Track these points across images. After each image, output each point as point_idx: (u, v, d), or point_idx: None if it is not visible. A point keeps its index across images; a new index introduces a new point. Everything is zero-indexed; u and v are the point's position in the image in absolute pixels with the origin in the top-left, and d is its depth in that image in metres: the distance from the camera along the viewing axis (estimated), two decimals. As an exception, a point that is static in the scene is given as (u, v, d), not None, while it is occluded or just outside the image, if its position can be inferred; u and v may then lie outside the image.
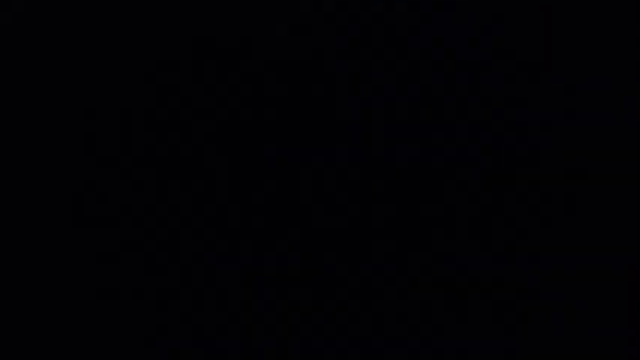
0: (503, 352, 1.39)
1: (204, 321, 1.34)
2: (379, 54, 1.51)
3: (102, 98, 1.28)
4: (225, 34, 1.31)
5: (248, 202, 1.37)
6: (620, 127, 1.53)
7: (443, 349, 1.39)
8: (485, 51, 1.55)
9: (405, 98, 1.53)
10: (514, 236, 1.50)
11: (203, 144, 1.33)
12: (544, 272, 1.47)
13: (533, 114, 1.56)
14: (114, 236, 1.31)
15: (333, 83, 1.45)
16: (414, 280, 1.44)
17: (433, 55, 1.53)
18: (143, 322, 1.31)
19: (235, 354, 1.34)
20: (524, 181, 1.53)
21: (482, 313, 1.43)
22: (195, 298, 1.34)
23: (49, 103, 1.26)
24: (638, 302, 1.43)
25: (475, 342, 1.40)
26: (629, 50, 1.54)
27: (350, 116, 1.49)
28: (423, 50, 1.52)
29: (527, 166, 1.54)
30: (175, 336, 1.32)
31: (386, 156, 1.49)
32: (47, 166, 1.27)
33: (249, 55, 1.37)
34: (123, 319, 1.30)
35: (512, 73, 1.55)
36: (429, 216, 1.49)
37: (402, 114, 1.53)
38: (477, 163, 1.53)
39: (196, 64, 1.31)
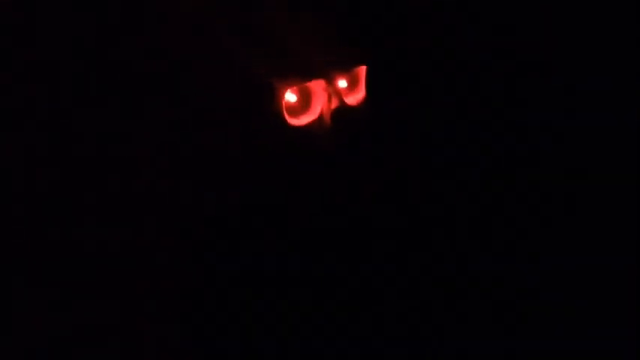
0: (503, 352, 1.40)
1: (204, 321, 1.34)
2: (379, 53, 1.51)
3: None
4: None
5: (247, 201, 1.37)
6: (620, 127, 1.54)
7: (443, 349, 1.39)
8: (485, 51, 1.55)
9: (405, 98, 1.54)
10: (514, 236, 1.50)
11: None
12: (544, 272, 1.47)
13: (533, 114, 1.56)
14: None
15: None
16: (413, 281, 1.44)
17: (433, 55, 1.53)
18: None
19: (235, 354, 1.34)
20: (524, 181, 1.54)
21: (482, 313, 1.44)
22: (195, 299, 1.34)
23: None
24: (638, 302, 1.44)
25: (475, 342, 1.40)
26: (629, 50, 1.55)
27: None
28: (424, 50, 1.53)
29: (527, 166, 1.54)
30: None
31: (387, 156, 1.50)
32: None
33: None
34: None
35: (512, 72, 1.56)
36: (429, 216, 1.49)
37: (401, 114, 1.54)
38: (477, 163, 1.54)
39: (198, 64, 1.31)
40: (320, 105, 1.43)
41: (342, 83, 1.46)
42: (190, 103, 1.37)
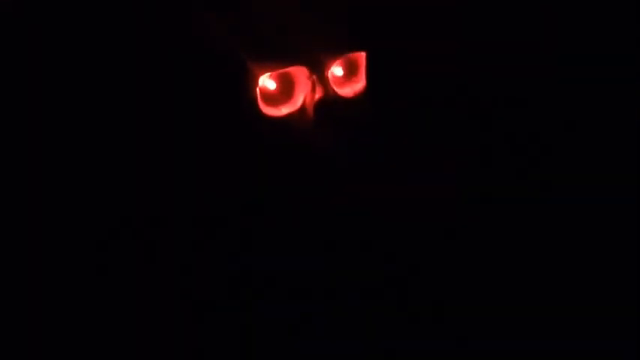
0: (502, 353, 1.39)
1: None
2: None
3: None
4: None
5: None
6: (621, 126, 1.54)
7: (446, 348, 1.38)
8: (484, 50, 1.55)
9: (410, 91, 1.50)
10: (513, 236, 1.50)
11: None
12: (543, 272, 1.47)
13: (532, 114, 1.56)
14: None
15: None
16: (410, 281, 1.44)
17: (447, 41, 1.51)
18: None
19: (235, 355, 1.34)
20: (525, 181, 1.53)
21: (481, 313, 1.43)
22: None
23: None
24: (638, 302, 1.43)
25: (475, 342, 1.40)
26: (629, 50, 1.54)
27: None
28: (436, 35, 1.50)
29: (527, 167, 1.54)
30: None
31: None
32: None
33: None
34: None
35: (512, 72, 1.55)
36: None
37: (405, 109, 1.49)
38: (477, 163, 1.53)
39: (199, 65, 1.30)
40: (302, 95, 1.28)
41: (338, 71, 1.30)
42: (150, 90, 1.23)
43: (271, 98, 1.26)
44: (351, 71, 1.33)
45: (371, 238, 1.42)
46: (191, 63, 1.22)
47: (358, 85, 1.34)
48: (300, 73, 1.27)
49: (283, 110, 1.27)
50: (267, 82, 1.25)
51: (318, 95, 1.28)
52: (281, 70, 1.25)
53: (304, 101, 1.28)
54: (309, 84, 1.27)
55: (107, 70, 1.25)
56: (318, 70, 1.27)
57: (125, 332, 1.29)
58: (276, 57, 1.24)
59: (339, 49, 1.30)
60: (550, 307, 1.41)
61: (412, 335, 1.38)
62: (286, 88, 1.27)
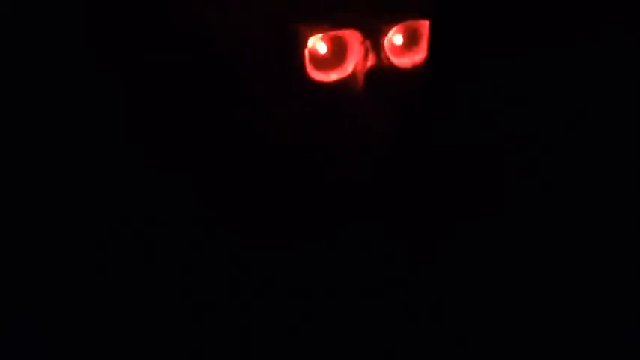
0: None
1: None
2: None
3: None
4: None
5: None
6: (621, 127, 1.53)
7: (446, 348, 1.39)
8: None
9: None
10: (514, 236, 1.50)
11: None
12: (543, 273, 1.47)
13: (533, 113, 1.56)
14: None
15: None
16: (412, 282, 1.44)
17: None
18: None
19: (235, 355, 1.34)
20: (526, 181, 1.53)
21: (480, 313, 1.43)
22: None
23: None
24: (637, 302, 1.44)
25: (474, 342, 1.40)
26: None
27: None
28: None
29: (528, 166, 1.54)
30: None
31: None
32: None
33: None
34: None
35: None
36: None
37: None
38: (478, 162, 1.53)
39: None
40: (354, 61, 1.21)
41: (398, 39, 1.22)
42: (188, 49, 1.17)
43: (321, 62, 1.20)
44: (412, 41, 1.24)
45: (371, 238, 1.42)
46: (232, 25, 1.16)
47: (418, 56, 1.25)
48: (353, 38, 1.19)
49: (332, 76, 1.21)
50: (318, 44, 1.18)
51: (370, 63, 1.21)
52: (333, 33, 1.18)
53: (355, 68, 1.22)
54: (362, 50, 1.20)
55: (113, 64, 1.23)
56: (373, 36, 1.20)
57: (125, 332, 1.29)
58: (329, 18, 1.17)
59: (398, 15, 1.21)
60: (550, 307, 1.42)
61: (412, 335, 1.38)
62: (338, 53, 1.20)
